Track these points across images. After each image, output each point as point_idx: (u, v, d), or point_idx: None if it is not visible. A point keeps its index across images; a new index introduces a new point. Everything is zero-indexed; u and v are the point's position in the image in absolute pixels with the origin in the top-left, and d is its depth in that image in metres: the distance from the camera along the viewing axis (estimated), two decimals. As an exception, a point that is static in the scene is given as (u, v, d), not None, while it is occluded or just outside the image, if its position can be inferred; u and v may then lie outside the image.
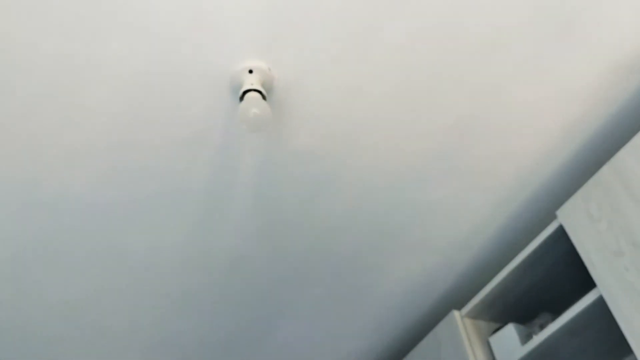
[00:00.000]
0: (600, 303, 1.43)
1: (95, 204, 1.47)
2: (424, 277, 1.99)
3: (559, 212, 1.56)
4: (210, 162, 1.43)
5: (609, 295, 1.37)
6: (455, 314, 1.91)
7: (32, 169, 1.35)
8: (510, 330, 1.76)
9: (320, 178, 1.54)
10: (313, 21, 1.17)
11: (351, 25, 1.19)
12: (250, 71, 1.22)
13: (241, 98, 1.20)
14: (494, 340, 1.80)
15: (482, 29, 1.25)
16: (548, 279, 1.79)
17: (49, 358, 1.99)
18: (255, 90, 1.19)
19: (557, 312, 1.90)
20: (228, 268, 1.77)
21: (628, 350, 1.65)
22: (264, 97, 1.20)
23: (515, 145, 1.55)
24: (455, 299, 2.11)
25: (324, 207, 1.63)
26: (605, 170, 1.45)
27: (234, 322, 2.01)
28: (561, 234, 1.61)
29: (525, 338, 1.73)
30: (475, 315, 1.91)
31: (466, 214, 1.75)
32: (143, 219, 1.55)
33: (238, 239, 1.68)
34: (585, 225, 1.48)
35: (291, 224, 1.67)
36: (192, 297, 1.86)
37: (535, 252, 1.67)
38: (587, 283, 1.79)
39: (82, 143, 1.32)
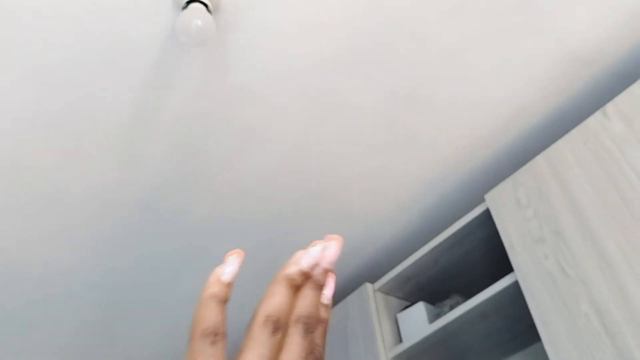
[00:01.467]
0: (515, 288, 1.44)
1: (3, 115, 1.30)
2: (343, 246, 1.94)
3: (487, 196, 1.55)
4: (139, 78, 1.29)
5: (524, 281, 1.37)
6: (368, 286, 1.87)
7: None
8: (419, 309, 1.75)
9: (256, 122, 1.44)
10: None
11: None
12: (198, -18, 1.10)
13: (184, 8, 1.08)
14: (402, 316, 1.78)
15: (450, -13, 1.19)
16: (464, 262, 1.79)
17: None
18: (200, 1, 1.07)
19: (469, 296, 1.91)
20: (141, 205, 1.64)
21: (535, 338, 1.68)
22: (209, 11, 1.08)
23: (458, 122, 1.52)
24: (370, 273, 2.08)
25: (253, 155, 1.54)
26: (540, 159, 1.45)
27: (143, 264, 1.87)
28: (486, 218, 1.61)
29: (434, 317, 1.72)
30: (387, 290, 1.89)
31: (396, 187, 1.71)
32: (54, 137, 1.39)
33: (156, 174, 1.55)
34: (512, 210, 1.47)
35: (214, 168, 1.56)
36: (97, 233, 1.70)
37: (456, 234, 1.66)
38: (501, 271, 1.81)
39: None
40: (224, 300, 0.33)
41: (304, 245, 1.90)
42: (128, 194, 1.60)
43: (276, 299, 0.32)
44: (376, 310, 1.82)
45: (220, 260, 1.90)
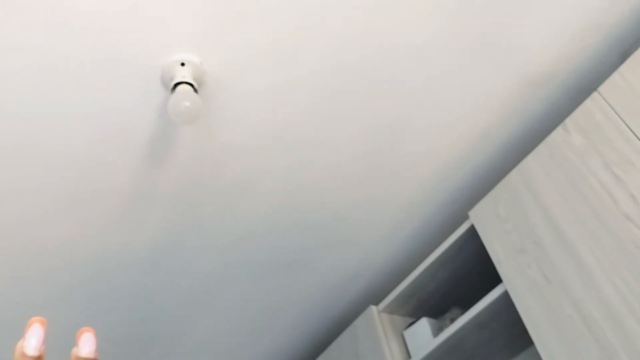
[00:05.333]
0: (505, 297, 1.55)
1: (18, 195, 1.41)
2: (344, 274, 2.05)
3: (470, 213, 1.67)
4: (134, 151, 1.41)
5: (513, 290, 1.48)
6: (373, 309, 1.98)
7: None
8: (423, 324, 1.85)
9: (247, 175, 1.56)
10: (247, 18, 1.19)
11: (285, 25, 1.22)
12: (182, 64, 1.22)
13: (172, 90, 1.20)
14: (408, 333, 1.89)
15: (409, 38, 1.32)
16: (459, 276, 1.90)
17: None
18: (187, 83, 1.20)
19: (466, 307, 2.02)
20: (147, 263, 1.75)
21: (530, 341, 1.79)
22: (195, 90, 1.21)
23: (433, 149, 1.65)
24: (373, 295, 2.19)
25: (249, 204, 1.65)
26: (513, 174, 1.57)
27: (154, 317, 1.98)
28: (472, 234, 1.72)
29: (437, 331, 1.83)
30: (391, 310, 2.00)
31: (385, 213, 1.83)
32: (60, 212, 1.50)
33: (159, 234, 1.66)
34: (494, 225, 1.59)
35: (215, 221, 1.68)
36: (107, 294, 1.81)
37: (447, 251, 1.77)
38: (494, 279, 1.93)
39: None
40: None
41: (309, 276, 2.01)
42: (132, 256, 1.71)
43: None
44: (383, 331, 1.93)
45: (227, 305, 2.01)
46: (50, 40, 1.13)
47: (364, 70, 1.38)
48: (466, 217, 1.93)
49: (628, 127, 1.33)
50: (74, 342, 1.95)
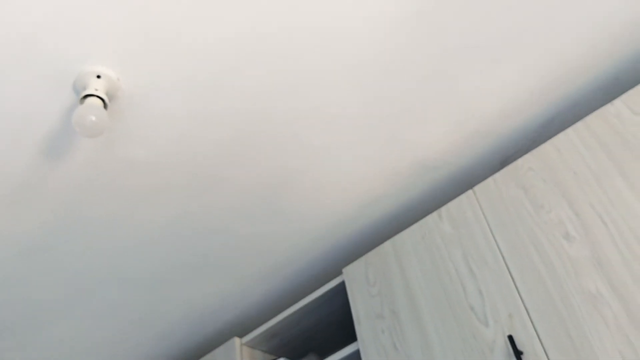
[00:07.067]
0: (357, 356, 1.66)
1: None
2: (216, 301, 2.09)
3: (344, 270, 1.78)
4: (31, 149, 1.39)
5: (364, 351, 1.60)
6: (236, 340, 2.03)
7: None
8: (280, 364, 1.93)
9: (142, 192, 1.57)
10: (172, 47, 1.23)
11: (207, 62, 1.28)
12: (99, 76, 1.24)
13: (82, 101, 1.21)
14: (264, 371, 1.95)
15: (320, 102, 1.43)
16: (322, 325, 2.00)
17: None
18: (98, 96, 1.22)
19: (323, 356, 2.12)
20: (20, 252, 1.70)
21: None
22: (105, 105, 1.23)
23: (323, 204, 1.75)
24: (239, 327, 2.24)
25: (138, 219, 1.66)
26: (387, 244, 1.70)
27: (15, 307, 1.91)
28: (342, 289, 1.83)
29: (291, 374, 1.91)
30: (254, 345, 2.06)
31: (268, 251, 1.90)
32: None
33: (39, 226, 1.63)
34: (362, 286, 1.71)
35: (97, 228, 1.67)
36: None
37: (317, 300, 1.87)
38: (353, 336, 2.05)
39: None
40: None
41: (181, 294, 2.03)
42: (13, 240, 1.66)
43: None
44: (241, 364, 1.98)
45: (99, 309, 1.99)
46: (-33, 23, 1.12)
47: (272, 122, 1.46)
48: (340, 273, 2.05)
49: (490, 229, 1.49)
50: None
